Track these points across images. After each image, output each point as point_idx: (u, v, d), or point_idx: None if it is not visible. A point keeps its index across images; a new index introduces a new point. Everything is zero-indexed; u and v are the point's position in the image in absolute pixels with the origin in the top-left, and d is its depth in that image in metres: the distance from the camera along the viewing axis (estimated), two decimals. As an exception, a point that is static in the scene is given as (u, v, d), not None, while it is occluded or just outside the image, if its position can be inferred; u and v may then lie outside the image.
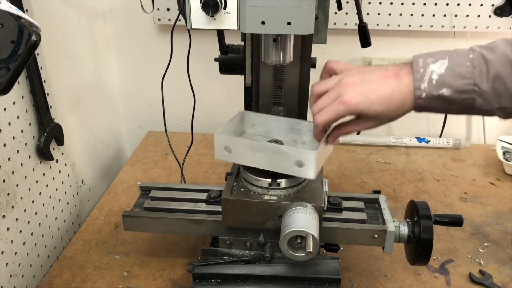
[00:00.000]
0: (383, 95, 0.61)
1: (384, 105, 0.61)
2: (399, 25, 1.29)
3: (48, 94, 0.96)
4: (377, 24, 1.29)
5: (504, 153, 1.26)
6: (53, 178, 1.01)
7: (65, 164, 1.06)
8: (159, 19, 1.32)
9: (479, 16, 1.26)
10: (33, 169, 0.93)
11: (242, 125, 0.84)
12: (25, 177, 0.90)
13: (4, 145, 0.84)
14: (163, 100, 0.99)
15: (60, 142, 1.01)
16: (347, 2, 1.13)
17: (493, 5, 1.23)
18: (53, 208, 1.01)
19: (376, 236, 0.75)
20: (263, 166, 0.73)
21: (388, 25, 1.29)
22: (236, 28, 0.63)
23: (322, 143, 0.70)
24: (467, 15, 1.26)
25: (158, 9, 1.30)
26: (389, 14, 1.28)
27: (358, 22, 0.86)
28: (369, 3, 1.27)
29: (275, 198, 0.75)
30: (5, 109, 0.84)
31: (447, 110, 0.62)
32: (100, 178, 1.32)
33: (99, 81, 1.35)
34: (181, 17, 0.76)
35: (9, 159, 0.85)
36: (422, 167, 1.29)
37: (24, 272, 0.90)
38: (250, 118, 0.84)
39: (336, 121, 0.65)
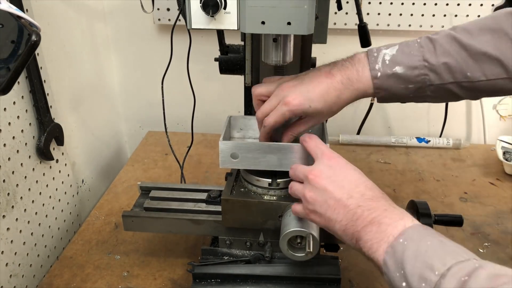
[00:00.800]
0: (320, 92, 0.66)
1: (322, 101, 0.67)
2: (399, 25, 1.29)
3: (48, 94, 0.96)
4: (377, 24, 1.29)
5: (504, 153, 1.26)
6: (53, 178, 1.01)
7: (65, 164, 1.06)
8: (159, 19, 1.33)
9: (479, 16, 1.26)
10: (33, 169, 0.93)
11: (230, 130, 0.84)
12: (25, 177, 0.90)
13: (4, 145, 0.84)
14: (163, 100, 0.99)
15: (60, 142, 1.01)
16: (347, 2, 1.13)
17: (493, 5, 1.23)
18: (53, 208, 1.01)
19: (376, 236, 0.75)
20: (271, 167, 0.72)
21: (388, 25, 1.30)
22: (236, 28, 0.63)
23: None
24: (467, 15, 1.26)
25: (158, 9, 1.30)
26: (389, 14, 1.29)
27: (358, 22, 0.86)
28: (369, 3, 1.27)
29: (275, 198, 0.75)
30: (5, 109, 0.84)
31: (405, 90, 0.67)
32: (100, 178, 1.32)
33: (99, 81, 1.35)
34: (181, 17, 0.76)
35: (9, 159, 0.85)
36: (422, 167, 1.29)
37: (24, 272, 0.90)
38: (237, 122, 0.84)
39: (281, 123, 0.69)
